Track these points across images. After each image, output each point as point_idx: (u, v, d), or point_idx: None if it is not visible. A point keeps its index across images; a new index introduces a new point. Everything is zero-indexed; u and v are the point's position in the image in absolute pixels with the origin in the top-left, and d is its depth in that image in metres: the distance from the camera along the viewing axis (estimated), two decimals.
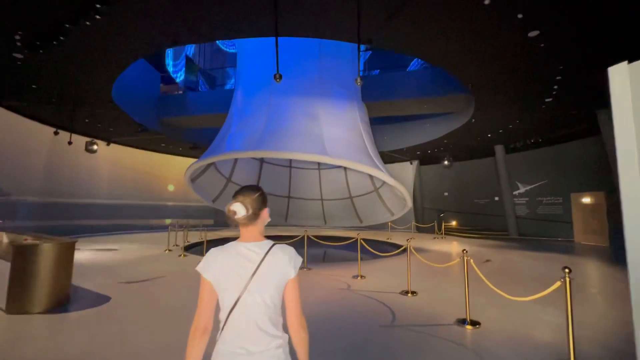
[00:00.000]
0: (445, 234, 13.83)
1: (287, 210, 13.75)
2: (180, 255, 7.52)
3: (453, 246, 10.30)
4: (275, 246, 1.10)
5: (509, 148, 13.20)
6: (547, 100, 7.89)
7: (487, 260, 3.10)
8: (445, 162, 15.85)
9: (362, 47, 10.42)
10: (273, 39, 9.22)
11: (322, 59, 8.74)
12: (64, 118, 9.55)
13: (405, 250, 4.78)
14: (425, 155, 15.49)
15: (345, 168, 12.10)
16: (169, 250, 8.40)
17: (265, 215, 1.12)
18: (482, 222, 15.57)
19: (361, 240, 5.84)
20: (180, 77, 12.25)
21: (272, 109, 8.16)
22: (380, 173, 7.68)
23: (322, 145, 7.53)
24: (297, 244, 7.52)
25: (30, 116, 9.97)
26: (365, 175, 11.30)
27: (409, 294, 4.30)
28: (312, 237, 6.92)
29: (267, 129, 7.82)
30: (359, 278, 5.28)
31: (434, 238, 12.81)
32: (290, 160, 12.76)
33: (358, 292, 4.44)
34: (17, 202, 10.10)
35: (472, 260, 3.46)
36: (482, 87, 7.20)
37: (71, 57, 6.15)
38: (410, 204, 9.06)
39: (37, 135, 10.29)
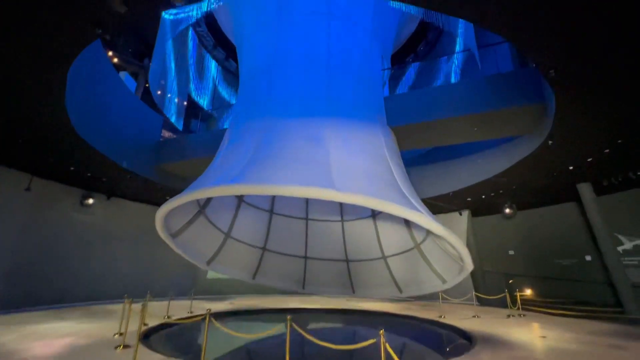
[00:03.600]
0: (522, 308, 9.81)
1: (304, 274, 10.93)
2: (118, 348, 5.00)
3: (552, 337, 6.55)
4: None
5: (599, 187, 9.67)
6: None
7: None
8: (507, 211, 12.50)
9: (386, 64, 8.55)
10: (274, 58, 7.78)
11: (329, 70, 6.86)
12: (39, 163, 8.36)
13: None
14: (478, 202, 12.24)
15: (374, 217, 9.40)
16: (120, 334, 5.93)
17: None
18: (571, 291, 11.27)
19: (386, 345, 2.96)
20: (178, 120, 11.20)
21: (262, 134, 6.14)
22: (420, 216, 4.96)
23: (327, 175, 5.14)
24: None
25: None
26: (401, 226, 8.48)
27: None
28: (304, 332, 4.11)
29: (253, 158, 5.70)
30: None
31: (509, 316, 8.95)
32: (307, 209, 10.37)
33: None
34: None
35: None
36: (574, 74, 4.57)
37: None
38: (470, 265, 5.98)
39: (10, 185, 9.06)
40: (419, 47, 11.26)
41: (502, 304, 10.63)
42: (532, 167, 8.51)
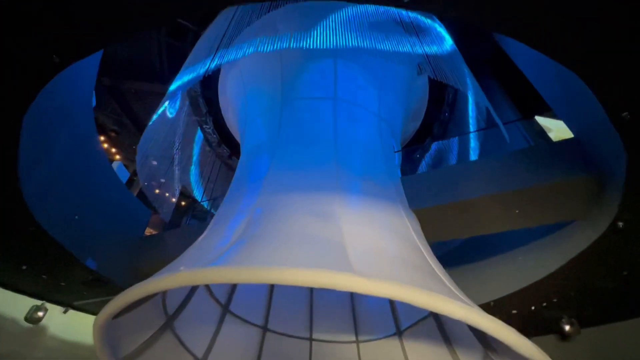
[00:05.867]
0: None
1: None
2: None
3: None
4: None
5: None
6: None
7: None
8: (566, 328, 9.80)
9: (396, 148, 7.96)
10: (276, 136, 7.24)
11: (337, 147, 6.09)
12: None
13: None
14: (527, 316, 9.66)
15: (400, 335, 7.02)
16: None
17: None
18: None
19: None
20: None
21: (255, 211, 4.85)
22: (489, 319, 3.16)
23: (342, 256, 3.60)
24: None
25: None
26: (439, 346, 6.15)
27: None
28: None
29: (241, 238, 4.25)
30: None
31: None
32: (311, 325, 7.97)
33: None
34: None
35: None
36: None
37: None
38: None
39: None
40: (425, 141, 11.21)
41: None
42: (593, 263, 6.76)
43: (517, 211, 6.24)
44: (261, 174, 5.79)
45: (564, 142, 6.02)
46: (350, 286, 3.04)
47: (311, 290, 7.39)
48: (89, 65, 6.20)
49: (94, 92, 6.74)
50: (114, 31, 3.01)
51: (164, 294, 5.42)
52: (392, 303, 6.98)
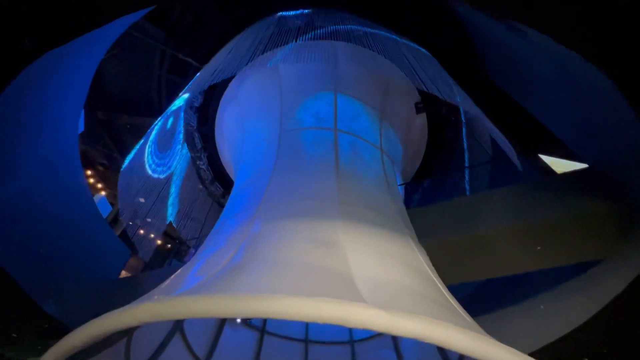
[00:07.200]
0: None
1: None
2: None
3: None
4: None
5: None
6: None
7: None
8: None
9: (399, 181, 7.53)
10: (273, 165, 6.77)
11: (339, 175, 5.63)
12: None
13: None
14: None
15: None
16: None
17: None
18: None
19: None
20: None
21: (247, 237, 4.19)
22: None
23: (348, 286, 2.91)
24: None
25: None
26: None
27: None
28: None
29: (229, 265, 3.54)
30: None
31: None
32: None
33: None
34: None
35: None
36: None
37: None
38: None
39: None
40: (423, 182, 10.90)
41: None
42: (629, 312, 5.95)
43: (538, 248, 5.61)
44: (256, 201, 5.24)
45: (583, 171, 5.66)
46: (364, 320, 2.33)
47: (306, 342, 6.32)
48: (73, 80, 5.86)
49: (82, 111, 6.36)
50: (92, 13, 2.71)
51: (128, 342, 4.44)
52: (399, 355, 5.94)
